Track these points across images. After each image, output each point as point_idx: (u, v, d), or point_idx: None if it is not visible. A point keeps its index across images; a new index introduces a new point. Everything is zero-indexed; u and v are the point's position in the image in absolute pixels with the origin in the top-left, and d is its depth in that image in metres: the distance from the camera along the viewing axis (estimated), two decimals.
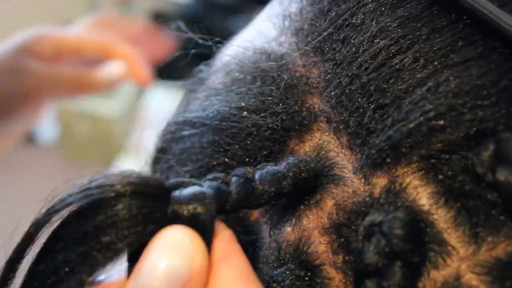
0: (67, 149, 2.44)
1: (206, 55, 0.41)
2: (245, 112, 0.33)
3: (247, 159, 0.33)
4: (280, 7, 0.37)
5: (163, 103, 2.43)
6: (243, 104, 0.34)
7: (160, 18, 2.65)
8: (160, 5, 2.65)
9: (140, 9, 2.65)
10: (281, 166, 0.30)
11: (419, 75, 0.28)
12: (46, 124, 2.58)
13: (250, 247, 0.33)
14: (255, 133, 0.33)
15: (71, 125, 2.35)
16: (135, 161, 2.32)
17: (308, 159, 0.31)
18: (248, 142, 0.33)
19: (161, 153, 0.40)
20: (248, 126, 0.33)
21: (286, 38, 0.35)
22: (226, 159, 0.34)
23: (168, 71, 2.56)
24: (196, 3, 2.45)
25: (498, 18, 0.27)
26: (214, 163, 0.34)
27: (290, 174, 0.30)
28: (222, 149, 0.34)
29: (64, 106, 2.30)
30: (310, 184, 0.30)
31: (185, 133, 0.37)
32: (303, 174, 0.30)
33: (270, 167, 0.30)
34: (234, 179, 0.30)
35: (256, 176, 0.30)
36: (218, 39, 0.41)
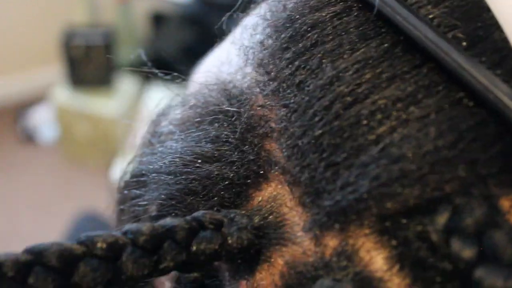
0: (67, 149, 2.44)
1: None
2: (199, 161, 0.31)
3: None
4: (246, 32, 0.34)
5: (163, 103, 2.44)
6: (198, 151, 0.32)
7: (159, 19, 2.66)
8: (159, 6, 2.65)
9: (139, 10, 2.65)
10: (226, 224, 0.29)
11: (373, 132, 0.26)
12: (46, 123, 2.59)
13: None
14: (209, 184, 0.31)
15: (71, 125, 2.35)
16: None
17: (251, 215, 0.29)
18: (203, 194, 0.31)
19: (121, 205, 0.39)
20: (203, 177, 0.31)
21: (250, 70, 0.33)
22: (184, 214, 0.32)
23: (168, 71, 2.57)
24: (196, 3, 2.46)
25: (463, 67, 0.25)
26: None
27: (250, 226, 0.29)
28: (176, 203, 0.32)
29: (64, 106, 2.31)
30: (256, 242, 0.29)
31: (136, 191, 0.35)
32: (247, 235, 0.29)
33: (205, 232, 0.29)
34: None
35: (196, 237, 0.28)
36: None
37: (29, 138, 2.59)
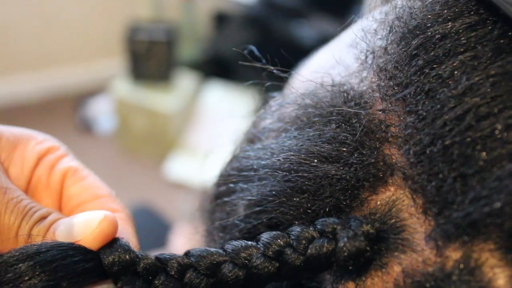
0: (123, 141, 2.49)
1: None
2: (315, 161, 0.31)
3: (311, 212, 0.32)
4: (364, 38, 0.34)
5: (219, 101, 2.46)
6: (315, 150, 0.32)
7: (222, 18, 2.68)
8: (223, 5, 2.67)
9: (203, 8, 2.68)
10: (356, 225, 0.29)
11: (507, 147, 0.25)
12: (104, 114, 2.64)
13: None
14: (326, 184, 0.31)
15: (128, 118, 2.39)
16: (187, 157, 2.35)
17: (374, 219, 0.29)
18: (318, 194, 0.31)
19: (219, 199, 0.40)
20: (318, 176, 0.31)
21: (368, 75, 0.33)
22: (290, 211, 0.32)
23: (225, 69, 2.56)
24: (260, 5, 2.46)
25: None
26: (272, 216, 0.33)
27: (362, 233, 0.29)
28: (285, 201, 0.32)
29: (123, 99, 2.35)
30: (368, 249, 0.29)
31: (242, 185, 0.36)
32: (360, 241, 0.29)
33: (355, 224, 0.29)
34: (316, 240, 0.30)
35: (343, 234, 0.29)
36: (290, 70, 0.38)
37: (87, 127, 2.64)
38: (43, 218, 0.36)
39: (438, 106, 0.28)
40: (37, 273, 0.30)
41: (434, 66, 0.29)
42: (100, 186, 0.41)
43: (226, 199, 0.38)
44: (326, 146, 0.31)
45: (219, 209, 0.40)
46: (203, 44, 2.61)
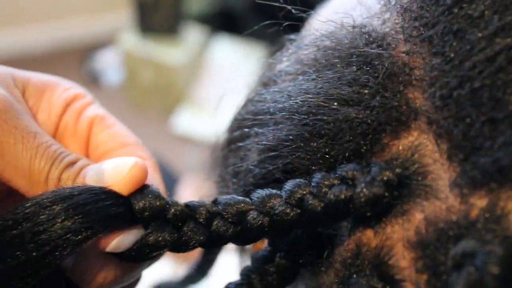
0: (131, 93, 2.49)
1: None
2: (335, 103, 0.30)
3: (329, 157, 0.31)
4: None
5: (227, 55, 2.44)
6: (335, 93, 0.30)
7: None
8: None
9: None
10: (373, 170, 0.28)
11: None
12: (112, 67, 2.63)
13: (328, 242, 0.32)
14: (346, 128, 0.30)
15: (136, 70, 2.38)
16: (194, 111, 2.36)
17: (396, 164, 0.28)
18: (337, 138, 0.30)
19: (233, 144, 0.39)
20: (338, 120, 0.30)
21: (391, 16, 0.31)
22: (307, 156, 0.31)
23: (233, 23, 2.54)
24: None
25: None
26: (288, 161, 0.32)
27: (381, 179, 0.28)
28: (303, 145, 0.31)
29: (130, 51, 2.34)
30: (387, 195, 0.28)
31: (257, 129, 0.35)
32: (392, 182, 0.28)
33: (375, 169, 0.28)
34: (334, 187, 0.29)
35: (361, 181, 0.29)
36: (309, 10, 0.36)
37: (94, 80, 2.64)
38: (72, 163, 0.36)
39: (467, 47, 0.26)
40: (70, 215, 0.31)
41: (463, 5, 0.27)
42: (127, 134, 0.41)
43: (240, 144, 0.38)
44: (347, 89, 0.30)
45: (233, 154, 0.40)
46: None
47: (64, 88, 0.42)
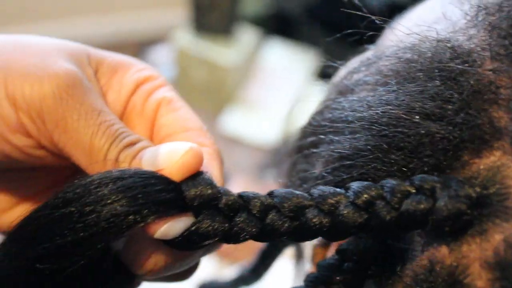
0: (182, 91, 2.49)
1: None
2: (417, 117, 0.30)
3: (407, 170, 0.30)
4: None
5: (279, 58, 2.45)
6: (417, 106, 0.30)
7: None
8: None
9: None
10: (456, 185, 0.28)
11: None
12: (164, 63, 2.66)
13: (399, 255, 0.31)
14: (426, 142, 0.29)
15: (188, 68, 2.40)
16: (244, 112, 2.36)
17: (475, 182, 0.28)
18: (416, 152, 0.30)
19: (305, 150, 0.38)
20: (419, 134, 0.29)
21: (477, 32, 0.31)
22: (384, 168, 0.31)
23: (287, 27, 2.54)
24: None
25: None
26: (363, 171, 0.32)
27: (465, 195, 0.27)
28: (380, 156, 0.31)
29: (184, 49, 2.36)
30: (468, 212, 0.27)
31: (333, 137, 0.34)
32: (460, 203, 0.27)
33: (455, 184, 0.28)
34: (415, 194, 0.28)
35: (442, 193, 0.28)
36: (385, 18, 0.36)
37: None
38: (132, 144, 0.36)
39: None
40: (118, 198, 0.30)
41: None
42: (191, 118, 0.40)
43: (314, 150, 0.37)
44: (429, 103, 0.30)
45: (304, 160, 0.39)
46: (267, 0, 2.59)
47: (137, 68, 0.42)
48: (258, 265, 0.57)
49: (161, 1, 2.90)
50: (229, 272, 1.00)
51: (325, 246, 0.39)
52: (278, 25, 2.52)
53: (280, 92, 2.27)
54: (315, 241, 0.42)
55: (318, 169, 0.36)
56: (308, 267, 0.43)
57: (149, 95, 0.42)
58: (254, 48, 2.44)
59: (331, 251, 0.37)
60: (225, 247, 1.08)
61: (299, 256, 0.52)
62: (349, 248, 0.34)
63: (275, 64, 2.43)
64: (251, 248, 1.11)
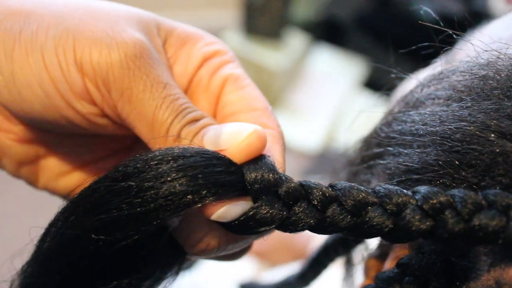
0: None
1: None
2: (492, 135, 0.29)
3: (477, 188, 0.29)
4: None
5: (326, 64, 2.44)
6: (492, 124, 0.29)
7: None
8: None
9: None
10: None
11: None
12: None
13: (461, 273, 0.30)
14: (500, 161, 0.28)
15: None
16: (288, 115, 2.36)
17: None
18: (489, 170, 0.29)
19: (371, 161, 0.37)
20: (494, 152, 0.29)
21: None
22: (453, 184, 0.30)
23: (336, 34, 2.53)
24: None
25: None
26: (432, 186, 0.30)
27: None
28: (451, 173, 0.30)
29: (233, 51, 2.37)
30: None
31: (401, 149, 0.33)
32: None
33: None
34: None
35: None
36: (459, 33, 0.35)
37: None
38: (195, 120, 0.35)
39: None
40: (178, 176, 0.30)
41: None
42: (258, 98, 0.39)
43: (379, 161, 0.36)
44: (506, 122, 0.29)
45: (367, 171, 0.38)
46: (318, 6, 2.58)
47: (206, 42, 0.41)
48: (307, 271, 0.56)
49: (213, 2, 2.92)
50: (268, 274, 1.00)
51: (381, 258, 0.39)
52: (327, 32, 2.52)
53: (325, 98, 2.27)
54: (369, 252, 0.41)
55: (382, 181, 0.35)
56: (360, 279, 0.43)
57: (216, 71, 0.40)
58: (302, 53, 2.44)
59: (388, 264, 0.36)
60: (264, 249, 1.08)
61: (348, 265, 0.52)
62: (411, 262, 0.32)
63: (322, 70, 2.42)
64: (292, 252, 1.10)
